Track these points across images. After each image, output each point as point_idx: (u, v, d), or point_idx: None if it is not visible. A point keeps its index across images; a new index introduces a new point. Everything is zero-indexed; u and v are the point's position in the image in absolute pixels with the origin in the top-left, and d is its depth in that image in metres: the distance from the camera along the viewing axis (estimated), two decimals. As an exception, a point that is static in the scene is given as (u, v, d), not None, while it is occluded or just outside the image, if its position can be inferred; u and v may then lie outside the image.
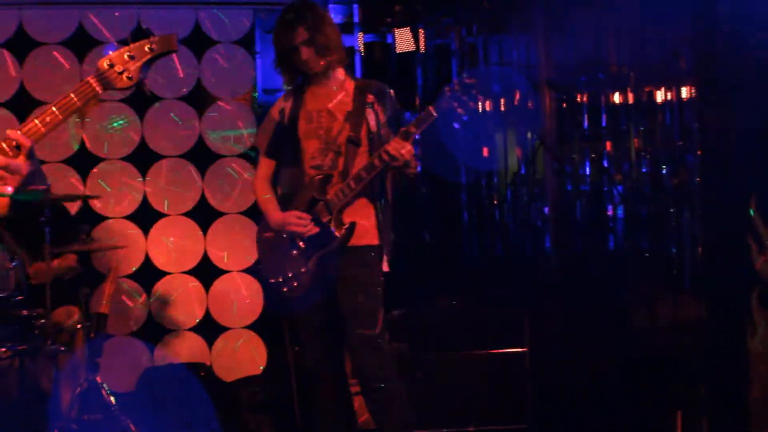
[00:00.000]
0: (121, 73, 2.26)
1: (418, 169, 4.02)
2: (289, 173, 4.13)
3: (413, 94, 6.53)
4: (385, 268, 4.13)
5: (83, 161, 5.82)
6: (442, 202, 6.47)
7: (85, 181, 5.82)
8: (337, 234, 3.99)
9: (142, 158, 5.89)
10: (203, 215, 5.97)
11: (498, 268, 6.33)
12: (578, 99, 6.05)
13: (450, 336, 5.26)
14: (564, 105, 6.02)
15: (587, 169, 6.05)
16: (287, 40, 3.99)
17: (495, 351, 5.20)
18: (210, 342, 5.99)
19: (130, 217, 5.90)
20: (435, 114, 3.87)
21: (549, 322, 5.43)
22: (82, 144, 5.81)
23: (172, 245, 5.96)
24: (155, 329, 5.94)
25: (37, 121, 2.26)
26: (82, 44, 5.75)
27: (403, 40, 6.38)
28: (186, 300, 5.98)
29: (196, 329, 5.99)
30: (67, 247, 4.81)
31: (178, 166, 5.94)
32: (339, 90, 4.09)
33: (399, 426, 4.11)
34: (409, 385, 4.83)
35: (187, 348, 5.97)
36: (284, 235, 4.04)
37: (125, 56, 2.26)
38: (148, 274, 5.93)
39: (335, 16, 6.22)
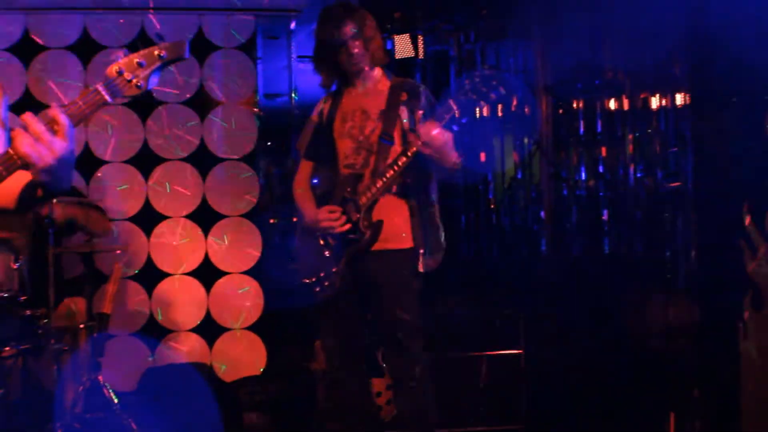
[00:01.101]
0: (130, 80, 2.19)
1: (461, 160, 3.90)
2: (325, 173, 4.12)
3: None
4: (420, 268, 4.06)
5: (86, 164, 5.82)
6: (439, 206, 6.45)
7: (89, 183, 5.82)
8: (364, 233, 3.96)
9: (145, 161, 5.89)
10: (205, 217, 5.97)
11: (494, 271, 6.33)
12: (574, 105, 6.06)
13: (446, 338, 5.26)
14: (560, 111, 6.02)
15: (583, 174, 6.06)
16: (336, 35, 3.96)
17: (491, 352, 5.20)
18: (210, 342, 5.98)
19: (133, 219, 5.90)
20: (455, 108, 3.76)
21: (544, 324, 5.44)
22: (86, 146, 5.81)
23: (174, 247, 5.95)
24: (157, 329, 5.93)
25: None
26: (87, 49, 5.76)
27: (403, 47, 6.38)
28: (187, 301, 5.97)
29: (196, 330, 5.99)
30: (70, 248, 4.81)
31: (180, 168, 5.94)
32: (375, 90, 4.07)
33: (424, 422, 4.10)
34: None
35: (188, 348, 5.96)
36: (318, 234, 4.02)
37: (135, 63, 2.20)
38: (151, 275, 5.92)
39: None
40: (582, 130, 6.00)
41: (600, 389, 5.17)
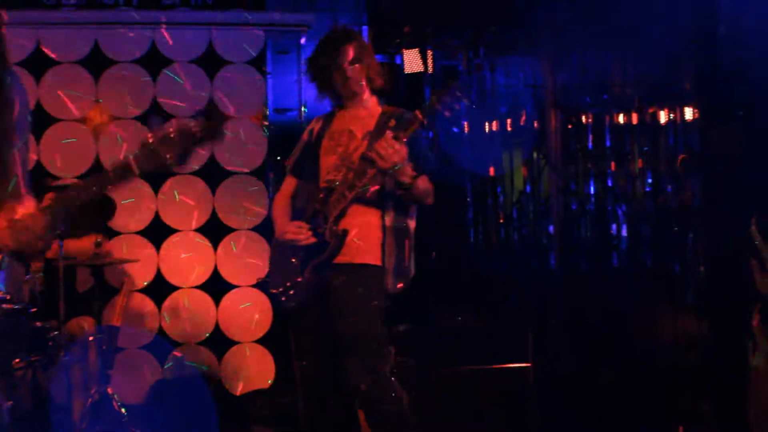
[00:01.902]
0: (161, 155, 2.29)
1: (412, 181, 3.85)
2: (306, 188, 4.14)
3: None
4: (395, 288, 4.03)
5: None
6: (449, 220, 6.46)
7: (99, 196, 5.82)
8: (329, 242, 3.97)
9: (154, 175, 5.90)
10: (214, 231, 5.99)
11: (503, 284, 6.33)
12: (583, 119, 6.06)
13: (455, 351, 5.25)
14: (569, 125, 6.03)
15: (592, 188, 6.05)
16: (332, 59, 4.00)
17: (499, 366, 5.19)
18: (219, 355, 5.99)
19: (142, 233, 5.92)
20: (420, 117, 3.78)
21: (553, 338, 5.44)
22: (97, 160, 5.83)
23: (183, 260, 5.97)
24: (166, 342, 5.94)
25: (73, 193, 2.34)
26: (98, 63, 5.79)
27: (412, 61, 6.41)
28: (196, 314, 5.99)
29: (206, 343, 5.99)
30: (80, 260, 4.83)
31: (189, 182, 5.96)
32: (366, 114, 4.11)
33: None
34: (414, 400, 4.85)
35: (197, 361, 5.97)
36: (286, 246, 4.05)
37: (170, 138, 2.26)
38: (160, 288, 5.94)
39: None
40: (591, 144, 6.00)
41: (609, 403, 5.15)
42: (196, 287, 5.99)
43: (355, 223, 3.98)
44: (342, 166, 4.04)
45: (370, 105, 4.13)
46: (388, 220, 4.04)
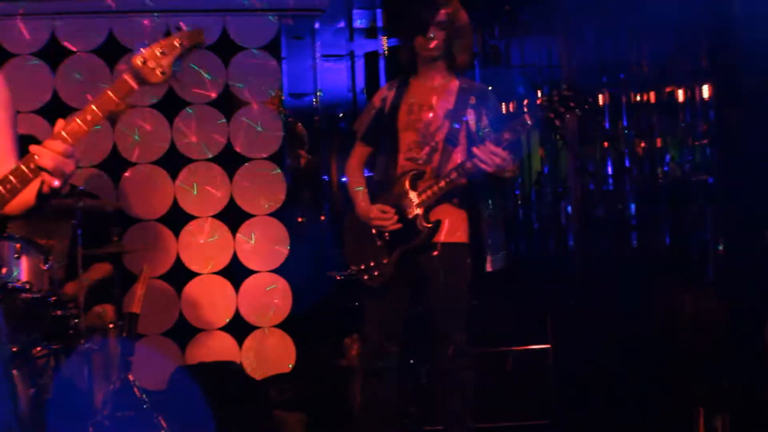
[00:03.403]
0: (154, 68, 2.34)
1: (517, 168, 4.00)
2: (384, 162, 4.14)
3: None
4: (488, 267, 4.19)
5: (115, 165, 5.87)
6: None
7: (117, 185, 5.86)
8: (422, 231, 3.98)
9: (172, 162, 5.93)
10: (233, 217, 6.00)
11: (522, 266, 6.31)
12: (600, 99, 6.02)
13: (473, 333, 5.25)
14: (586, 105, 5.97)
15: (609, 169, 6.02)
16: (425, 14, 3.96)
17: (518, 348, 5.18)
18: (240, 341, 6.01)
19: (161, 220, 5.94)
20: (530, 122, 3.81)
21: (572, 318, 5.42)
22: (114, 148, 5.86)
23: (203, 246, 5.99)
24: (186, 329, 5.97)
25: (78, 120, 2.32)
26: (114, 52, 5.80)
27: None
28: (216, 300, 6.01)
29: (226, 328, 6.02)
30: (99, 249, 4.85)
31: (207, 168, 5.97)
32: (443, 87, 4.08)
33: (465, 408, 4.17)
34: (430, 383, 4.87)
35: (217, 347, 6.00)
36: (367, 225, 4.06)
37: (157, 53, 2.34)
38: (180, 274, 5.97)
39: (360, 20, 6.23)
40: (608, 124, 5.96)
41: (628, 383, 5.14)
42: (216, 273, 6.01)
43: (445, 206, 4.04)
44: (424, 143, 4.03)
45: (446, 76, 4.09)
46: (473, 204, 4.12)
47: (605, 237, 5.99)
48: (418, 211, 3.99)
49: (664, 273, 5.57)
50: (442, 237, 4.03)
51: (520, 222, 6.42)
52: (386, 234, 4.03)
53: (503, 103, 6.59)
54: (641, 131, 5.80)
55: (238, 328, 6.02)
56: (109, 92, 2.33)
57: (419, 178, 4.02)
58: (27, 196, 2.45)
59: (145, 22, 5.76)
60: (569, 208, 5.97)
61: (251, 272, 6.03)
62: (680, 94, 5.56)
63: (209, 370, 5.64)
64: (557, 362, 5.14)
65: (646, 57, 5.65)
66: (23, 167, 2.32)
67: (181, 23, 2.46)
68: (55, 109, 5.66)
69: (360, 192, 4.16)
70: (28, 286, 4.30)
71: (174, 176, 5.93)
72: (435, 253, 4.02)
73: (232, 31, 5.92)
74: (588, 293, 5.55)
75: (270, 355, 6.01)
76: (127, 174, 5.88)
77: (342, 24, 6.18)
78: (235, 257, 6.01)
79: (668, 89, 5.62)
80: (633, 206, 5.87)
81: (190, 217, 5.97)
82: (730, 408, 4.60)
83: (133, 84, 2.34)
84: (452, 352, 4.06)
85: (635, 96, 5.86)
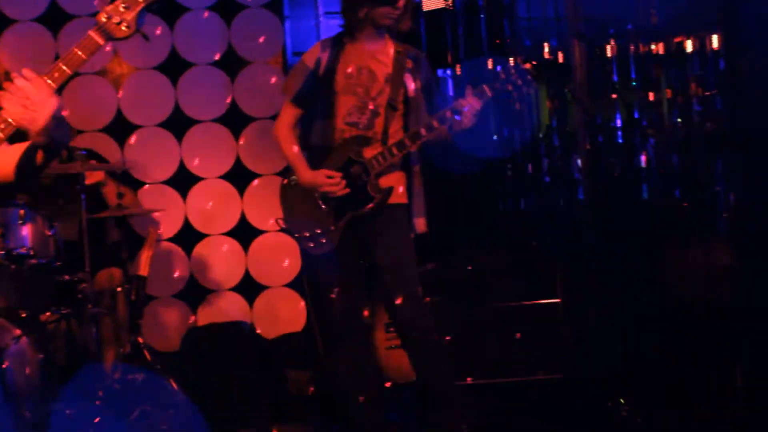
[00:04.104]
0: (119, 23, 2.35)
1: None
2: (321, 126, 4.07)
3: (445, 51, 6.40)
4: (423, 228, 4.13)
5: (120, 129, 5.82)
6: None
7: (123, 148, 5.81)
8: (373, 197, 3.94)
9: (178, 124, 5.86)
10: (240, 177, 5.94)
11: (531, 220, 6.24)
12: (608, 51, 5.90)
13: (482, 288, 5.21)
14: (594, 57, 5.87)
15: (618, 121, 5.92)
16: None
17: (528, 302, 5.14)
18: (250, 301, 5.98)
19: (168, 182, 5.89)
20: (489, 94, 3.87)
21: (582, 273, 5.36)
22: (119, 112, 5.79)
23: (210, 208, 5.94)
24: (197, 290, 5.95)
25: (47, 79, 2.33)
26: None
27: (430, -2, 6.25)
28: (226, 261, 5.97)
29: (236, 289, 5.99)
30: (103, 213, 4.81)
31: (213, 130, 5.90)
32: (381, 51, 4.04)
33: (443, 375, 4.10)
34: (441, 339, 4.84)
35: (228, 307, 5.97)
36: (309, 191, 4.00)
37: (120, 8, 2.36)
38: (188, 236, 5.93)
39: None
40: (616, 76, 5.85)
41: (639, 337, 5.09)
42: (225, 234, 5.97)
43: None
44: (364, 108, 3.98)
45: (383, 40, 4.05)
46: (409, 165, 4.07)
47: (616, 190, 5.90)
48: (370, 176, 3.95)
49: (676, 225, 5.48)
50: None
51: (529, 176, 6.33)
52: (331, 200, 3.98)
53: (510, 58, 6.48)
54: (649, 83, 5.68)
55: (249, 288, 5.99)
56: (76, 49, 2.35)
57: (366, 143, 3.97)
58: (4, 167, 2.43)
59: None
60: (578, 161, 5.87)
61: (260, 232, 5.99)
62: (689, 45, 5.44)
63: (220, 330, 5.63)
64: (568, 317, 5.10)
65: (654, 7, 5.52)
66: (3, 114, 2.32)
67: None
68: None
69: (299, 158, 4.07)
70: (32, 252, 4.27)
71: (180, 138, 5.87)
72: (381, 216, 4.00)
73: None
74: (598, 247, 5.47)
75: (281, 314, 5.98)
76: (132, 137, 5.82)
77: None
78: (243, 218, 5.96)
79: (677, 39, 5.50)
80: (643, 158, 5.77)
81: (197, 179, 5.92)
82: (743, 359, 4.57)
83: (100, 40, 2.35)
84: (412, 304, 4.03)
85: (644, 47, 5.74)
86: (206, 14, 5.80)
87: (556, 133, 6.22)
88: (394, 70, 3.99)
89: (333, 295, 4.17)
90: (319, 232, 4.00)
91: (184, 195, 5.91)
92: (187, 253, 5.92)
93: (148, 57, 5.81)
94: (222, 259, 5.96)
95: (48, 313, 4.52)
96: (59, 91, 2.37)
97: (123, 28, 2.36)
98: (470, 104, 3.82)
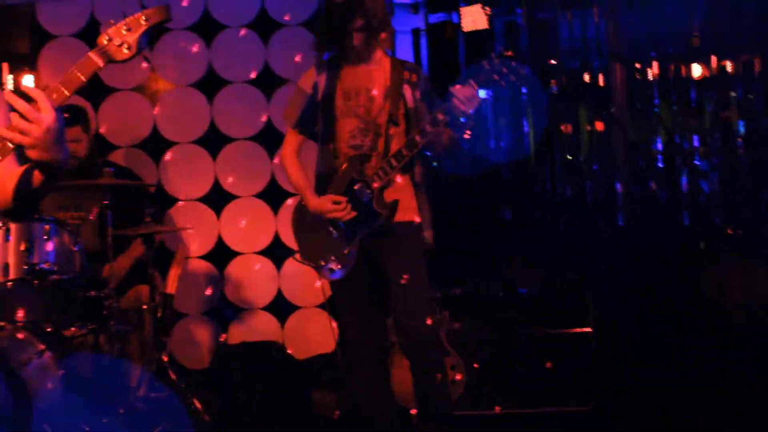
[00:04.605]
0: (120, 45, 2.31)
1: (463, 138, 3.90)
2: (323, 151, 4.01)
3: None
4: (430, 241, 4.08)
5: (155, 145, 5.81)
6: (514, 180, 6.24)
7: (158, 164, 5.80)
8: (380, 213, 3.87)
9: (213, 141, 5.83)
10: (274, 196, 5.89)
11: (568, 244, 6.10)
12: (649, 73, 5.75)
13: (512, 315, 5.08)
14: (635, 80, 5.73)
15: (659, 144, 5.76)
16: (341, 25, 3.85)
17: (559, 330, 4.99)
18: (282, 321, 5.92)
19: (202, 200, 5.86)
20: (476, 85, 3.74)
21: (618, 301, 5.21)
22: (154, 128, 5.79)
23: (244, 226, 5.90)
24: (229, 308, 5.90)
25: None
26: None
27: (472, 18, 6.15)
28: (258, 280, 5.92)
29: (268, 308, 5.93)
30: (130, 230, 4.78)
31: (248, 148, 5.86)
32: (376, 68, 3.96)
33: (440, 399, 4.06)
34: (468, 365, 4.73)
35: (260, 326, 5.91)
36: (318, 218, 3.94)
37: (122, 30, 2.32)
38: (221, 254, 5.88)
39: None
40: (657, 98, 5.69)
41: (674, 368, 4.92)
42: (258, 252, 5.92)
43: (394, 186, 3.94)
44: (367, 130, 3.91)
45: (377, 57, 3.97)
46: (418, 177, 3.99)
47: (655, 215, 5.74)
48: (373, 195, 3.87)
49: (716, 252, 5.31)
50: (396, 216, 3.94)
51: (567, 199, 6.19)
52: (340, 224, 3.90)
53: (551, 79, 6.37)
54: (691, 106, 5.52)
55: (281, 307, 5.93)
56: (76, 71, 2.31)
57: (366, 160, 3.89)
58: (3, 191, 2.40)
59: (183, 4, 5.66)
60: (618, 185, 5.72)
61: (293, 251, 5.90)
62: (731, 68, 5.26)
63: (251, 349, 5.58)
64: (600, 346, 4.94)
65: (696, 29, 5.36)
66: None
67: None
68: (96, 90, 5.66)
69: (305, 186, 4.03)
70: (56, 268, 4.25)
71: (215, 155, 5.85)
72: (391, 235, 3.92)
73: (270, 8, 5.78)
74: (636, 273, 5.32)
75: (312, 335, 5.90)
76: (167, 153, 5.81)
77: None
78: (276, 237, 5.90)
79: (720, 62, 5.34)
80: (684, 183, 5.60)
81: (231, 197, 5.88)
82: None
83: (99, 62, 2.31)
84: (418, 333, 3.94)
85: (685, 69, 5.58)
86: (243, 32, 5.77)
87: (597, 157, 6.08)
88: (392, 83, 3.91)
89: (349, 318, 4.11)
90: (333, 258, 3.94)
91: (218, 213, 5.87)
92: (219, 271, 5.88)
93: (185, 74, 5.80)
94: (254, 278, 5.91)
95: (73, 329, 4.50)
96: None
97: (124, 50, 2.32)
98: (458, 97, 3.70)
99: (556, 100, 6.22)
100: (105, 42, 2.31)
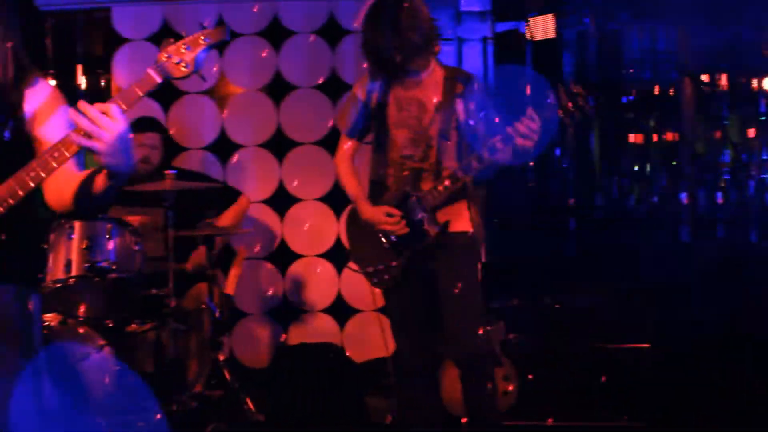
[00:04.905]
0: (178, 63, 2.37)
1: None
2: (376, 160, 3.98)
3: (554, 81, 6.21)
4: (482, 258, 3.99)
5: (223, 147, 5.89)
6: (578, 190, 6.14)
7: (225, 167, 5.87)
8: (431, 233, 3.83)
9: (279, 145, 5.88)
10: (337, 200, 5.90)
11: (630, 259, 5.99)
12: (718, 86, 5.61)
13: (569, 328, 5.01)
14: (703, 92, 5.59)
15: (726, 157, 5.61)
16: (378, 41, 3.77)
17: (617, 345, 4.91)
18: (341, 323, 5.94)
19: (267, 202, 5.92)
20: (536, 119, 3.57)
21: (676, 318, 5.10)
22: (222, 131, 5.87)
23: (307, 229, 5.93)
24: (290, 309, 5.94)
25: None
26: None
27: (541, 28, 6.07)
28: (319, 282, 5.95)
29: (328, 310, 5.95)
30: (191, 231, 4.84)
31: (313, 152, 5.90)
32: (429, 78, 3.88)
33: (489, 411, 3.98)
34: (522, 376, 4.66)
35: (319, 328, 5.94)
36: (375, 228, 3.91)
37: (181, 48, 2.39)
38: (284, 256, 5.93)
39: (470, 3, 6.00)
40: (726, 111, 5.55)
41: (730, 388, 4.78)
42: (319, 255, 5.94)
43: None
44: (418, 141, 3.87)
45: (430, 67, 3.88)
46: (471, 190, 3.91)
47: (721, 229, 5.59)
48: (425, 213, 3.81)
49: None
50: (448, 228, 3.86)
51: (631, 210, 6.08)
52: (391, 236, 3.85)
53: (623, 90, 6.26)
54: (760, 119, 5.37)
55: (340, 310, 5.94)
56: (135, 87, 2.36)
57: (419, 176, 3.83)
58: (63, 194, 2.44)
59: (254, 8, 5.73)
60: (683, 196, 5.58)
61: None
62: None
63: (310, 350, 5.60)
64: (656, 364, 4.84)
65: (766, 42, 5.21)
66: (47, 156, 2.32)
67: (206, 21, 2.44)
68: (163, 89, 5.70)
69: (359, 193, 3.99)
70: (115, 267, 4.34)
71: (280, 159, 5.90)
72: (444, 246, 3.84)
73: (339, 15, 5.80)
74: (697, 288, 5.19)
75: (371, 338, 5.90)
76: (234, 156, 5.88)
77: (450, 7, 5.98)
78: (338, 240, 5.92)
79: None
80: (752, 197, 5.43)
81: (295, 200, 5.92)
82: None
83: (157, 78, 2.36)
84: (469, 343, 3.87)
85: (758, 82, 5.43)
86: (312, 38, 5.81)
87: (663, 169, 5.96)
88: (444, 97, 3.83)
89: (399, 329, 4.08)
90: (381, 268, 3.91)
91: (282, 215, 5.92)
92: (281, 272, 5.93)
93: (254, 78, 5.86)
94: (315, 280, 5.93)
95: (134, 326, 4.59)
96: None
97: (182, 68, 2.38)
98: (521, 130, 3.59)
99: (625, 111, 6.10)
100: (164, 59, 2.37)
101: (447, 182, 3.77)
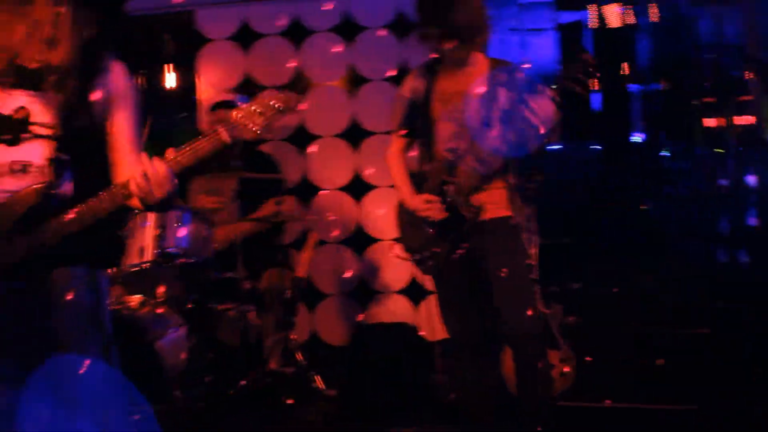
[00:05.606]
0: (248, 125, 2.42)
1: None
2: (422, 153, 4.03)
3: (622, 68, 6.13)
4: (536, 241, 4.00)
5: (301, 138, 6.06)
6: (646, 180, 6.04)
7: (304, 156, 6.05)
8: (468, 218, 3.87)
9: (354, 135, 6.01)
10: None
11: (696, 246, 5.86)
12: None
13: (627, 312, 4.97)
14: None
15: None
16: (427, 30, 3.82)
17: (673, 331, 4.85)
18: (416, 304, 6.04)
19: (344, 189, 6.06)
20: (551, 93, 3.57)
21: (738, 305, 4.99)
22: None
23: (382, 214, 6.05)
24: (367, 291, 6.09)
25: (177, 157, 2.45)
26: (298, 34, 5.98)
27: (614, 16, 5.99)
28: (394, 265, 6.05)
29: (403, 291, 6.06)
30: (258, 214, 5.04)
31: (386, 141, 5.96)
32: (474, 71, 3.86)
33: (539, 392, 3.96)
34: (581, 359, 4.63)
35: (395, 308, 6.07)
36: (419, 216, 3.98)
37: (254, 111, 2.42)
38: (360, 239, 6.07)
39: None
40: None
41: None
42: (395, 239, 6.03)
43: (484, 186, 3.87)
44: (463, 134, 3.88)
45: (476, 59, 3.86)
46: (512, 179, 3.90)
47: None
48: (462, 196, 3.82)
49: None
50: (487, 215, 3.84)
51: (695, 193, 5.93)
52: (435, 223, 3.90)
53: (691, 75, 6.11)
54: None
55: (415, 291, 6.03)
56: (205, 142, 2.43)
57: (457, 165, 3.84)
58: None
59: (321, 8, 5.85)
60: (748, 179, 5.41)
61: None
62: None
63: (386, 329, 5.72)
64: (716, 351, 4.75)
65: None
66: (116, 190, 2.46)
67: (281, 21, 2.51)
68: (246, 88, 5.96)
69: (404, 182, 4.01)
70: (183, 252, 4.55)
71: (356, 148, 6.03)
72: (487, 232, 3.83)
73: (408, 9, 5.84)
74: (756, 276, 5.06)
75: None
76: (313, 146, 6.04)
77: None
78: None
79: None
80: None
81: (371, 187, 6.04)
82: None
83: (227, 138, 2.43)
84: (519, 324, 3.85)
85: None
86: (382, 32, 5.90)
87: (733, 153, 5.80)
88: (489, 87, 3.79)
89: (447, 314, 4.12)
90: (426, 254, 3.97)
91: (358, 201, 6.06)
92: (358, 255, 6.07)
93: (328, 72, 6.00)
94: (391, 263, 6.04)
95: (212, 306, 4.81)
96: None
97: (251, 129, 2.42)
98: (538, 111, 3.58)
99: (694, 96, 5.96)
100: (237, 117, 2.42)
101: (477, 165, 3.78)
